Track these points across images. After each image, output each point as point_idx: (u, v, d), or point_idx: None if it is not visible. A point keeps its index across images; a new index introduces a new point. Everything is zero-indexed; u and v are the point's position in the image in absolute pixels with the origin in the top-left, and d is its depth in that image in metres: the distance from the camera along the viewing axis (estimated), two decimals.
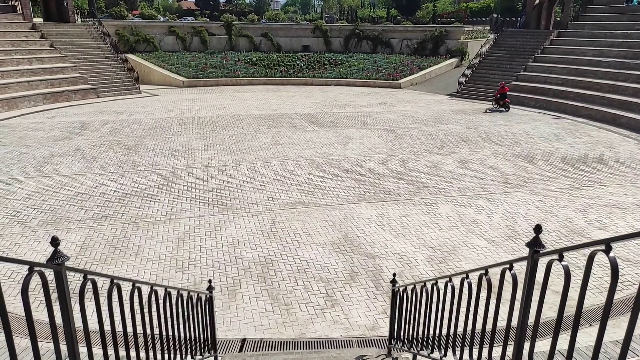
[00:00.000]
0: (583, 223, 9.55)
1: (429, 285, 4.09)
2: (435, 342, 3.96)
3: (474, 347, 3.27)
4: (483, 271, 2.98)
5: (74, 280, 6.21)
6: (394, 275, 5.23)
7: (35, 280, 1.98)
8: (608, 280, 6.94)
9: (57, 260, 2.04)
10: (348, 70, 32.80)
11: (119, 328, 2.78)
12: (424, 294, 4.16)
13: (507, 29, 32.52)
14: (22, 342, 4.77)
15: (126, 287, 2.90)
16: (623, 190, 11.51)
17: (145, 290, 3.14)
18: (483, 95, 25.68)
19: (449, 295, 3.57)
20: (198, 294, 4.43)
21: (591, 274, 2.05)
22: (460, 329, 3.55)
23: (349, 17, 79.61)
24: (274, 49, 36.93)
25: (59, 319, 2.06)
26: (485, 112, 22.25)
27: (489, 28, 41.65)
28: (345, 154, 14.49)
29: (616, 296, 5.56)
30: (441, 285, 3.80)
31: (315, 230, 9.09)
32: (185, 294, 3.97)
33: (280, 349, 5.73)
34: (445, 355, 3.72)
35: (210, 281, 5.13)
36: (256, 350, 5.69)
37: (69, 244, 8.28)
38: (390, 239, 8.75)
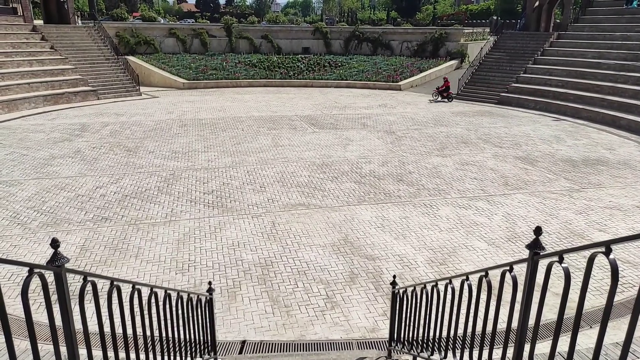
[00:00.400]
0: (583, 225, 9.55)
1: (429, 287, 4.09)
2: (436, 344, 3.96)
3: (474, 349, 3.27)
4: (483, 273, 2.98)
5: (73, 282, 6.21)
6: (394, 277, 5.23)
7: (35, 282, 1.98)
8: (608, 282, 6.93)
9: (57, 262, 2.03)
10: (348, 72, 32.84)
11: (118, 330, 2.78)
12: (424, 296, 4.15)
13: (507, 31, 32.56)
14: (22, 344, 4.76)
15: (126, 289, 2.90)
16: (623, 192, 11.51)
17: (145, 292, 3.14)
18: (483, 97, 25.71)
19: (449, 297, 3.57)
20: (198, 296, 4.43)
21: (591, 276, 2.05)
22: (460, 331, 3.54)
23: (349, 19, 79.72)
24: (274, 51, 36.98)
25: (58, 321, 2.06)
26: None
27: (488, 30, 41.71)
28: (345, 156, 14.50)
29: (616, 298, 5.56)
30: (441, 287, 3.79)
31: (316, 232, 9.09)
32: (185, 296, 3.97)
33: (280, 351, 5.72)
34: (445, 357, 3.71)
35: (210, 283, 5.13)
36: (256, 352, 5.69)
37: (69, 246, 8.28)
38: (391, 240, 8.75)
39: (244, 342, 5.89)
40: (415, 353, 4.35)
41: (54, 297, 2.00)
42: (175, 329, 3.71)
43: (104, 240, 8.61)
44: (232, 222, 9.53)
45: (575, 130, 18.59)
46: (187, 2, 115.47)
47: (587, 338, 5.18)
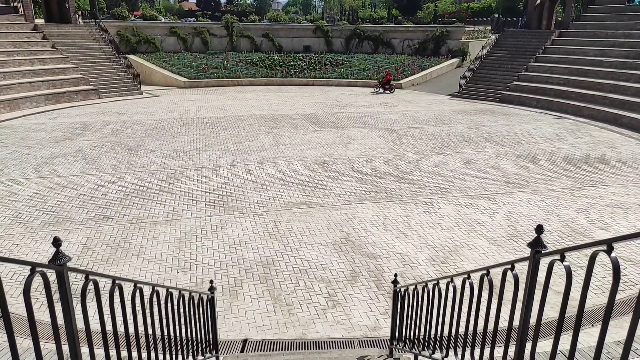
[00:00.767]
0: (585, 223, 9.54)
1: (430, 286, 4.09)
2: (437, 342, 3.96)
3: (475, 347, 3.27)
4: (485, 271, 2.98)
5: (75, 281, 6.22)
6: (396, 275, 5.23)
7: (37, 280, 1.98)
8: (610, 280, 6.92)
9: (59, 261, 2.04)
10: (349, 71, 32.80)
11: (120, 328, 2.79)
12: (426, 295, 4.15)
13: (509, 29, 32.52)
14: (24, 343, 4.77)
15: (128, 288, 2.90)
16: (625, 190, 11.49)
17: (147, 290, 3.14)
18: (484, 96, 25.67)
19: (450, 295, 3.57)
20: (200, 295, 4.43)
21: (593, 274, 2.04)
22: (461, 330, 3.54)
23: (350, 18, 79.60)
24: (275, 49, 36.96)
25: (60, 320, 2.07)
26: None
27: (490, 28, 41.64)
28: (346, 155, 14.49)
29: (618, 296, 5.55)
30: (443, 286, 3.79)
31: (317, 230, 9.09)
32: (186, 295, 3.97)
33: (282, 350, 5.73)
34: (446, 355, 3.72)
35: (211, 282, 5.13)
36: (258, 351, 5.70)
37: (71, 245, 8.30)
38: (392, 239, 8.75)
39: (245, 340, 5.90)
40: (417, 351, 4.35)
41: (55, 296, 2.00)
42: (177, 327, 3.72)
43: (105, 239, 8.62)
44: (234, 220, 9.54)
45: (577, 129, 18.56)
46: (188, 0, 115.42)
47: (588, 336, 5.17)
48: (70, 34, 27.47)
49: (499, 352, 3.06)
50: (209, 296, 4.84)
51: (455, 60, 33.72)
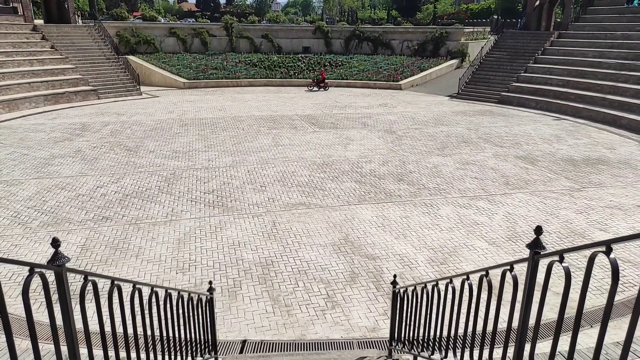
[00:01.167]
0: (584, 224, 9.55)
1: (429, 287, 4.09)
2: (436, 343, 3.96)
3: (474, 348, 3.27)
4: (484, 272, 2.98)
5: (74, 282, 6.21)
6: (395, 276, 5.23)
7: (36, 281, 1.98)
8: (609, 281, 6.92)
9: (57, 262, 2.04)
10: (348, 72, 32.82)
11: (119, 329, 2.78)
12: (425, 296, 4.15)
13: (508, 30, 32.54)
14: (22, 344, 4.77)
15: (127, 289, 2.90)
16: (624, 191, 11.50)
17: (146, 291, 3.14)
18: (484, 97, 25.69)
19: (449, 296, 3.57)
20: (198, 295, 4.43)
21: (592, 275, 2.04)
22: (460, 331, 3.54)
23: (349, 19, 79.69)
24: (275, 50, 36.97)
25: (59, 320, 2.07)
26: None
27: (489, 29, 41.68)
28: (345, 155, 14.50)
29: (617, 297, 5.56)
30: (442, 287, 3.79)
31: (316, 231, 9.09)
32: (185, 295, 3.97)
33: (281, 351, 5.72)
34: (445, 356, 3.72)
35: (210, 282, 5.13)
36: (257, 352, 5.69)
37: (70, 245, 8.29)
38: (391, 240, 8.75)
39: (244, 341, 5.89)
40: (416, 352, 4.35)
41: (54, 297, 2.00)
42: (176, 328, 3.72)
43: (104, 239, 8.61)
44: (233, 221, 9.54)
45: (576, 130, 18.58)
46: (187, 1, 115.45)
47: (587, 337, 5.18)
48: (69, 35, 27.46)
49: (498, 353, 3.07)
50: (208, 297, 4.84)
51: (454, 62, 33.76)
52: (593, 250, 1.99)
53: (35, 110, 20.90)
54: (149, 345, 3.17)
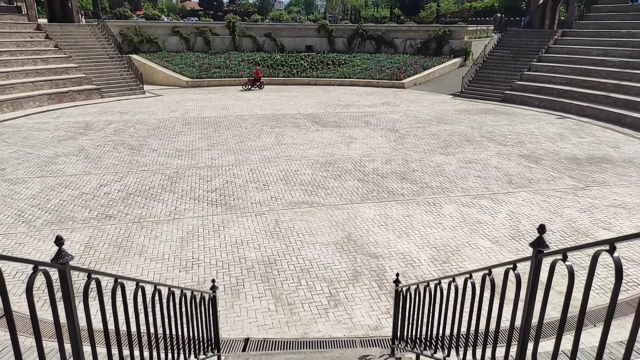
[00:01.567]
0: (587, 223, 9.51)
1: (432, 285, 4.09)
2: (439, 342, 3.96)
3: (477, 347, 3.27)
4: (486, 271, 2.98)
5: (78, 280, 6.25)
6: (397, 275, 5.23)
7: (40, 279, 1.99)
8: (612, 280, 6.90)
9: (61, 260, 2.05)
10: (351, 70, 32.78)
11: (122, 327, 2.80)
12: (427, 294, 4.15)
13: (511, 29, 32.44)
14: (26, 341, 4.79)
15: (130, 287, 2.91)
16: (628, 190, 11.45)
17: (149, 289, 3.15)
18: (487, 95, 25.62)
19: (452, 295, 3.57)
20: (201, 294, 4.44)
21: (595, 274, 2.04)
22: (463, 329, 3.54)
23: (352, 17, 79.56)
24: (278, 49, 36.96)
25: (63, 318, 2.07)
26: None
27: (492, 28, 41.57)
28: (348, 154, 14.49)
29: (620, 296, 5.54)
30: (444, 285, 3.79)
31: (319, 230, 9.09)
32: (188, 294, 3.98)
33: (284, 349, 5.73)
34: (448, 355, 3.72)
35: (213, 281, 5.14)
36: (259, 350, 5.70)
37: (74, 244, 8.32)
38: (394, 238, 8.74)
39: (247, 339, 5.90)
40: (419, 351, 4.35)
41: (58, 295, 2.01)
42: (179, 326, 3.73)
43: (108, 238, 8.64)
44: (236, 220, 9.55)
45: (580, 128, 18.50)
46: (190, 0, 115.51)
47: (590, 336, 5.17)
48: (73, 34, 27.54)
49: (500, 352, 3.06)
50: (211, 295, 4.85)
51: (457, 60, 33.67)
52: (596, 249, 1.98)
53: (39, 109, 20.98)
54: (152, 343, 3.18)
